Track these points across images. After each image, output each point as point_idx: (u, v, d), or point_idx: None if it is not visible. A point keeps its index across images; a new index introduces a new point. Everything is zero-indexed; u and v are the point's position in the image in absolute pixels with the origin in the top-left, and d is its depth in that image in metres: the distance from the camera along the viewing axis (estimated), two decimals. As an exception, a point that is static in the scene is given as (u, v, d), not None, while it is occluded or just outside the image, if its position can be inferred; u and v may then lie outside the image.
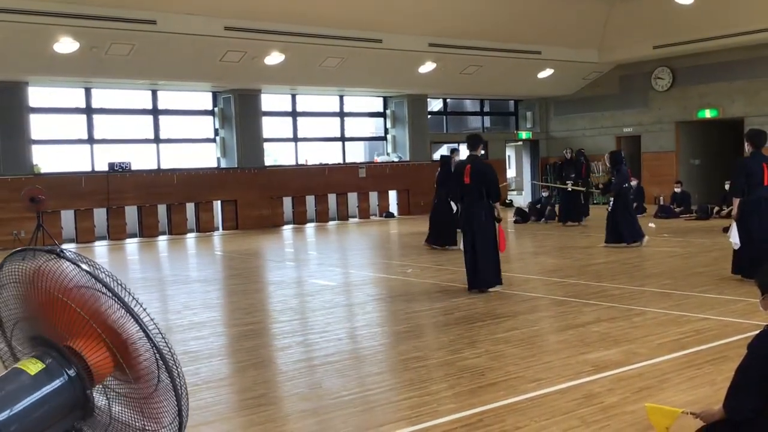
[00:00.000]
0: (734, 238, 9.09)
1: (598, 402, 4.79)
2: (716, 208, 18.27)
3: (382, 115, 23.55)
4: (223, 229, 19.65)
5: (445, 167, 13.95)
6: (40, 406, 2.61)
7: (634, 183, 20.43)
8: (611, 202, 13.42)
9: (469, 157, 9.49)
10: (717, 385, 4.94)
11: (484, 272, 9.02)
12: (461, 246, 9.40)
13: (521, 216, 19.26)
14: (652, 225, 16.78)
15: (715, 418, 3.52)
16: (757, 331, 3.49)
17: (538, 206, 19.77)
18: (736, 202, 9.12)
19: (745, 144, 9.32)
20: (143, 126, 19.28)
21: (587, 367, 5.59)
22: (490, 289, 9.03)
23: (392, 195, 22.86)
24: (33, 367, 2.64)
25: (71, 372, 2.67)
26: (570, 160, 18.74)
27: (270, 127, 20.83)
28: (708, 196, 20.69)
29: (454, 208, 12.48)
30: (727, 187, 16.87)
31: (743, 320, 6.99)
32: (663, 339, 6.39)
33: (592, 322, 7.15)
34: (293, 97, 21.42)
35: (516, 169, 28.69)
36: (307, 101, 21.99)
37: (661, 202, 20.75)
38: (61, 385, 2.65)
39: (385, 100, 23.37)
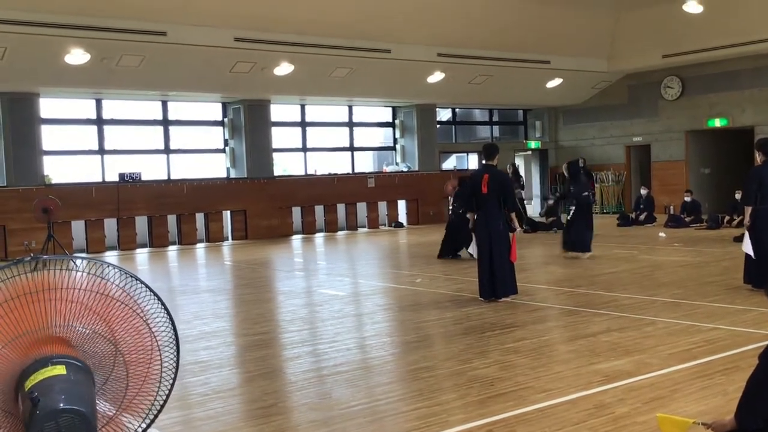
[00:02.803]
0: (747, 248, 9.04)
1: (609, 412, 4.76)
2: (726, 218, 18.19)
3: (391, 125, 23.59)
4: (232, 239, 19.69)
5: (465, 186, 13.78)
6: (91, 386, 3.35)
7: (648, 192, 20.41)
8: (571, 211, 13.64)
9: (485, 166, 9.48)
10: (728, 396, 4.90)
11: (502, 281, 9.03)
12: (474, 254, 9.39)
13: (531, 225, 19.22)
14: (662, 234, 16.73)
15: (727, 429, 3.50)
16: (769, 341, 3.47)
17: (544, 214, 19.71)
18: (748, 210, 9.08)
19: (756, 153, 9.28)
20: (153, 136, 19.38)
21: (597, 378, 5.56)
22: (504, 298, 9.03)
23: (401, 205, 22.87)
24: (57, 369, 3.18)
25: (78, 362, 3.31)
26: (581, 169, 18.70)
27: (279, 137, 20.90)
28: (718, 205, 20.60)
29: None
30: (737, 196, 16.86)
31: (754, 330, 6.95)
32: (674, 349, 6.35)
33: (602, 332, 7.12)
34: (302, 107, 21.50)
35: (525, 179, 28.63)
36: (316, 111, 22.06)
37: (671, 212, 20.68)
38: (84, 371, 3.33)
39: (394, 110, 23.42)
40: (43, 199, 15.24)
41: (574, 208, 13.63)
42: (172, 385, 3.72)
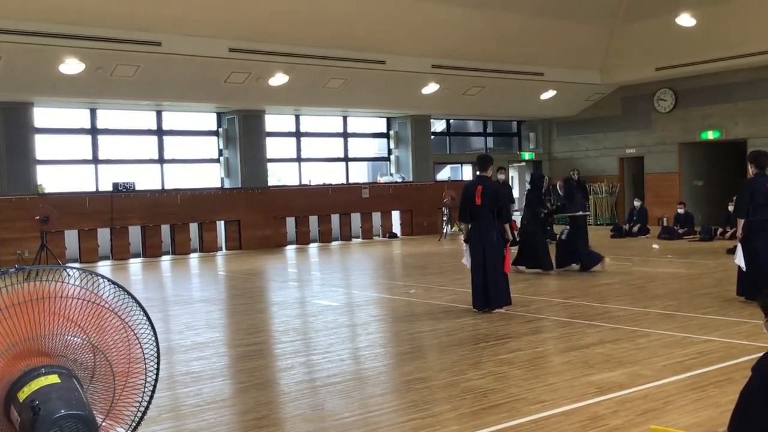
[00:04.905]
0: (739, 260, 9.07)
1: (603, 424, 4.76)
2: (719, 230, 18.23)
3: (386, 135, 23.63)
4: (226, 249, 19.65)
5: (536, 187, 13.72)
6: (83, 393, 3.44)
7: (641, 204, 20.46)
8: (567, 229, 13.38)
9: (479, 177, 9.49)
10: (721, 408, 4.91)
11: (496, 292, 9.03)
12: (468, 264, 9.38)
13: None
14: (655, 246, 16.77)
15: (720, 441, 3.50)
16: (762, 353, 3.47)
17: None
18: (741, 222, 9.12)
19: (749, 165, 9.33)
20: (147, 146, 19.36)
21: (591, 389, 5.56)
22: (497, 309, 9.03)
23: (395, 215, 22.87)
24: (51, 378, 3.25)
25: (66, 371, 3.41)
26: (577, 182, 18.72)
27: (274, 147, 20.90)
28: (711, 217, 20.67)
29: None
30: (730, 208, 16.91)
31: (748, 342, 6.96)
32: (667, 361, 6.36)
33: (596, 344, 7.12)
34: (297, 117, 21.52)
35: (519, 190, 28.70)
36: (310, 122, 22.09)
37: (665, 223, 20.72)
38: (73, 378, 3.43)
39: (389, 120, 23.46)
40: (44, 208, 15.25)
41: (569, 227, 13.37)
42: (152, 394, 3.74)
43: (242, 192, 19.77)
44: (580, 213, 13.76)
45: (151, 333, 3.68)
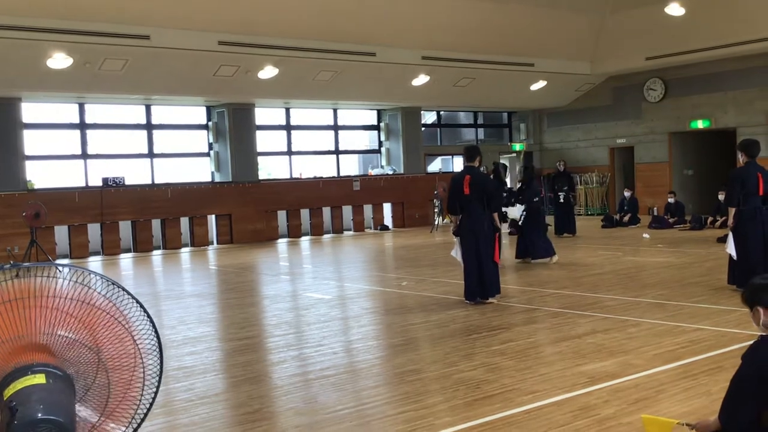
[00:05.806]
0: (731, 249, 9.11)
1: (595, 414, 4.78)
2: (710, 219, 18.31)
3: (376, 127, 23.60)
4: (217, 243, 19.61)
5: (495, 176, 13.56)
6: (71, 394, 3.34)
7: (632, 194, 20.53)
8: (522, 217, 13.47)
9: (467, 168, 9.51)
10: (712, 396, 4.93)
11: (489, 282, 9.05)
12: (458, 257, 9.39)
13: (516, 227, 19.24)
14: (646, 235, 16.82)
15: (711, 429, 3.52)
16: (752, 341, 3.49)
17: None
18: (732, 211, 9.15)
19: (738, 154, 9.37)
20: (137, 141, 19.27)
21: (583, 379, 5.58)
22: (490, 299, 9.05)
23: (387, 208, 22.86)
24: (37, 378, 3.15)
25: (59, 371, 3.28)
26: (563, 173, 18.79)
27: (264, 140, 20.85)
28: (701, 206, 20.75)
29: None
30: (720, 197, 16.99)
31: (738, 330, 7.00)
32: (658, 350, 6.39)
33: (587, 334, 7.14)
34: (287, 110, 21.46)
35: (510, 181, 28.72)
36: (300, 115, 22.03)
37: (655, 213, 20.81)
38: (65, 379, 3.32)
39: (379, 112, 23.43)
40: (34, 204, 15.17)
41: (525, 213, 13.55)
42: (157, 391, 3.69)
43: (233, 186, 19.72)
44: (536, 200, 13.69)
45: (152, 330, 3.63)
